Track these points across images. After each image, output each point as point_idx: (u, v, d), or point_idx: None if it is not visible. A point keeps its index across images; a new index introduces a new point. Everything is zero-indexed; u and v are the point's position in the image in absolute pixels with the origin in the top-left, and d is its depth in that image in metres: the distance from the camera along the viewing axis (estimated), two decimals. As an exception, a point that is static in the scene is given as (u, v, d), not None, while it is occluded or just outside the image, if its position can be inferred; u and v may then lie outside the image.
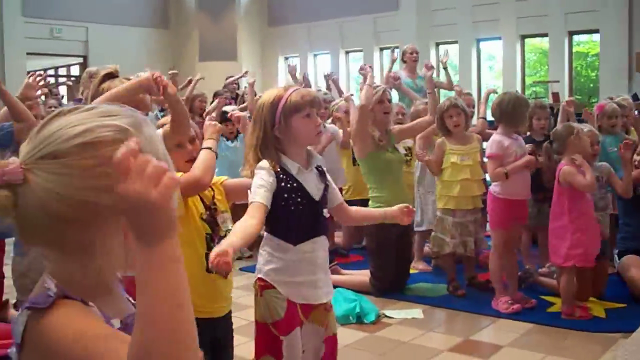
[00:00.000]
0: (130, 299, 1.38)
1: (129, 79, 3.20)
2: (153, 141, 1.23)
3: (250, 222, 2.90)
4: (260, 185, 3.01)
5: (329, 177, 3.30)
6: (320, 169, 3.24)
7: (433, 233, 6.06)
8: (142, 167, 1.01)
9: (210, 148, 3.26)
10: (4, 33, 15.32)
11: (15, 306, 4.90)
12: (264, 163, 3.07)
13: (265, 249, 3.16)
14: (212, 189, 3.31)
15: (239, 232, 2.85)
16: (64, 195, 1.15)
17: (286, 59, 18.19)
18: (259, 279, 3.15)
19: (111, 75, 3.08)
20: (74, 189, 1.15)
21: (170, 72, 8.36)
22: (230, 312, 3.36)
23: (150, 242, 1.03)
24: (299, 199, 3.09)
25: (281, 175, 3.06)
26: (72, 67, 18.53)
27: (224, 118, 7.83)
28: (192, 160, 3.26)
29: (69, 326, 1.13)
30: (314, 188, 3.15)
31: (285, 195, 3.05)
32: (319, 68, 17.35)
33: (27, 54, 15.71)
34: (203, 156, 3.20)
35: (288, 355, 3.09)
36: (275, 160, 3.10)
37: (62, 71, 19.03)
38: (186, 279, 1.08)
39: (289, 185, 3.07)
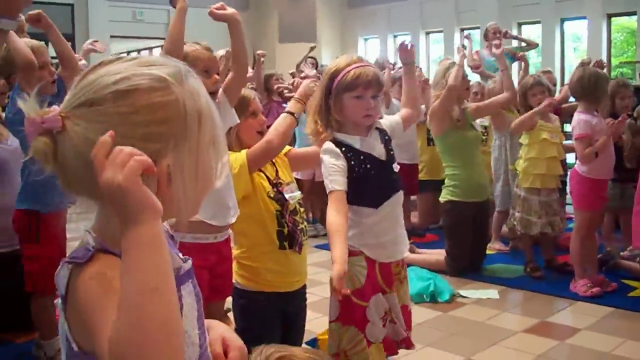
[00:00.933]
0: (180, 254, 1.38)
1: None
2: (195, 94, 1.22)
3: (342, 220, 2.90)
4: (333, 171, 2.99)
5: (387, 122, 3.27)
6: (379, 127, 3.20)
7: (517, 214, 5.90)
8: (114, 155, 1.05)
9: (292, 113, 3.27)
10: (89, 16, 15.69)
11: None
12: (326, 146, 3.05)
13: (349, 217, 3.10)
14: (274, 164, 3.32)
15: (342, 236, 2.85)
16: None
17: (365, 40, 18.12)
18: None
19: None
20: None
21: (257, 52, 8.38)
22: (304, 286, 3.39)
23: (125, 226, 1.06)
24: (369, 166, 3.06)
25: (348, 153, 3.04)
26: (154, 50, 18.83)
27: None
28: (262, 133, 3.28)
29: (95, 280, 1.14)
30: (379, 150, 3.12)
31: (356, 168, 3.03)
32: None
33: (111, 36, 16.02)
34: (280, 120, 3.23)
35: (373, 321, 3.09)
36: (332, 129, 3.10)
37: (145, 54, 19.36)
38: (166, 263, 1.08)
39: (358, 159, 3.05)
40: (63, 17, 15.26)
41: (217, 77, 3.11)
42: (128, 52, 19.22)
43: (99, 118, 1.15)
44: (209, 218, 3.10)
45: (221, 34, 12.42)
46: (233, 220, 3.22)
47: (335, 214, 2.91)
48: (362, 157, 3.05)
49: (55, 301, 1.24)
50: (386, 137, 3.18)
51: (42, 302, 3.84)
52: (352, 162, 3.03)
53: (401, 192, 3.20)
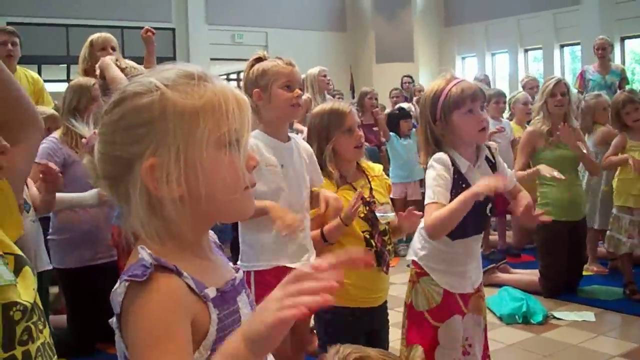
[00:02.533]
0: (231, 264, 1.39)
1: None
2: (198, 96, 1.23)
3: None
4: (443, 182, 2.87)
5: (500, 165, 3.13)
6: (489, 161, 3.08)
7: (608, 232, 5.73)
8: (289, 292, 1.06)
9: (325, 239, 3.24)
10: (189, 40, 16.10)
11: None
12: (442, 156, 2.93)
13: (422, 233, 3.07)
14: (369, 180, 3.31)
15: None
16: (102, 154, 1.23)
17: (463, 59, 17.96)
18: (415, 263, 3.10)
19: (259, 60, 3.12)
20: (105, 146, 1.23)
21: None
22: (385, 301, 3.39)
23: (246, 343, 1.06)
24: None
25: (455, 174, 2.92)
26: (253, 72, 19.14)
27: (402, 115, 7.85)
28: (361, 146, 3.27)
29: (147, 321, 1.15)
30: None
31: (453, 191, 2.89)
32: (497, 68, 17.00)
33: (211, 59, 16.40)
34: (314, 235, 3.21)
35: (444, 344, 3.01)
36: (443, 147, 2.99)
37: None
38: None
39: (459, 184, 2.92)
40: (165, 41, 15.70)
41: (299, 91, 3.11)
42: (227, 75, 19.64)
43: (102, 130, 1.25)
44: (287, 262, 3.06)
45: (316, 54, 12.55)
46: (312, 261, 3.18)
47: (437, 211, 2.81)
48: (463, 186, 2.90)
49: (110, 320, 1.26)
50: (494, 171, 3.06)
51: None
52: (454, 184, 2.91)
53: (482, 234, 3.13)
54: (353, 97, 12.53)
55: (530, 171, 5.50)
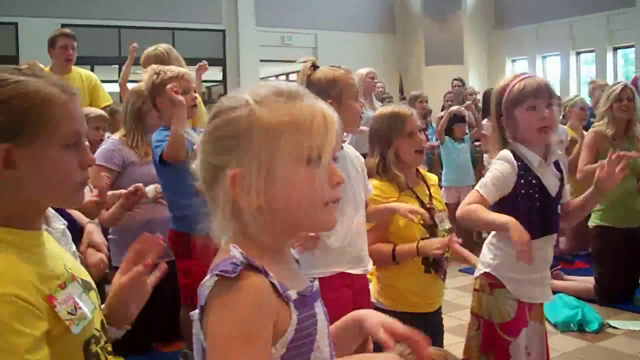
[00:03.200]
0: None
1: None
2: (285, 112, 1.30)
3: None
4: (497, 181, 2.86)
5: (565, 171, 3.11)
6: (557, 163, 3.05)
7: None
8: None
9: None
10: (239, 42, 16.19)
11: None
12: (506, 154, 2.92)
13: (494, 243, 3.04)
14: (428, 187, 3.30)
15: (484, 208, 2.82)
16: (201, 160, 1.35)
17: (513, 61, 17.79)
18: (487, 274, 3.03)
19: (315, 67, 3.12)
20: (202, 155, 1.34)
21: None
22: (440, 307, 3.39)
23: None
24: (537, 195, 2.91)
25: (521, 171, 2.89)
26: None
27: (456, 119, 7.83)
28: (422, 151, 3.26)
29: (235, 315, 1.21)
30: (551, 184, 2.96)
31: (523, 190, 2.88)
32: (547, 71, 16.80)
33: (260, 61, 16.49)
34: None
35: (515, 356, 2.97)
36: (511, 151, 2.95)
37: (293, 77, 19.76)
38: None
39: (528, 180, 2.89)
40: (215, 43, 15.85)
41: (362, 101, 3.11)
42: (276, 76, 19.71)
43: (202, 139, 1.36)
44: (347, 269, 3.05)
45: (364, 56, 12.55)
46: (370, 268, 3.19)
47: (467, 205, 2.84)
48: (533, 182, 2.88)
49: (192, 312, 1.29)
50: (561, 175, 3.04)
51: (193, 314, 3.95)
52: (522, 181, 2.88)
53: (555, 235, 3.06)
54: (402, 100, 12.48)
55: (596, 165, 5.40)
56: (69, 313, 1.41)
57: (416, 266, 3.17)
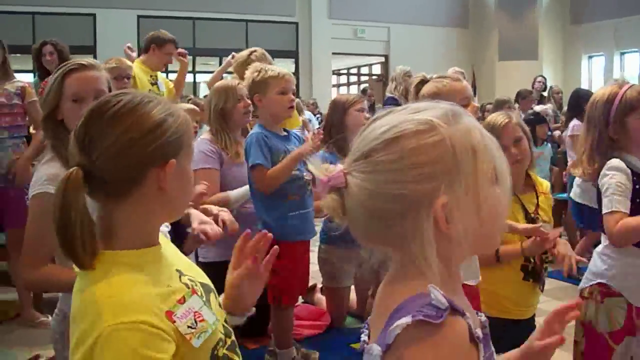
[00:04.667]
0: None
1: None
2: (467, 131, 1.22)
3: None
4: (620, 190, 2.76)
5: None
6: None
7: None
8: None
9: None
10: (312, 34, 16.22)
11: (321, 290, 5.15)
12: (618, 163, 2.82)
13: (608, 254, 2.93)
14: (537, 195, 3.23)
15: None
16: (376, 192, 1.20)
17: (590, 57, 17.43)
18: (601, 284, 2.93)
19: (424, 82, 3.05)
20: (383, 185, 1.19)
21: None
22: (534, 315, 3.34)
23: None
24: None
25: (634, 177, 2.79)
26: (373, 66, 19.15)
27: (538, 119, 7.67)
28: (521, 159, 3.18)
29: None
30: None
31: (638, 200, 2.79)
32: (626, 68, 16.40)
33: (333, 53, 16.49)
34: None
35: None
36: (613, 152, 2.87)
37: (364, 70, 19.73)
38: None
39: (637, 190, 2.80)
40: (288, 35, 15.93)
41: (475, 105, 3.03)
42: (347, 69, 19.71)
43: (371, 167, 1.21)
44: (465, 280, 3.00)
45: (437, 51, 12.44)
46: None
47: (625, 220, 2.71)
48: None
49: (368, 346, 1.24)
50: None
51: (281, 312, 4.01)
52: (637, 186, 2.79)
53: None
54: (475, 95, 12.32)
55: None
56: (189, 327, 1.41)
57: (515, 272, 3.13)
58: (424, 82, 3.00)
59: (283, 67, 4.53)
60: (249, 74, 3.93)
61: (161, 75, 6.14)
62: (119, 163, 1.42)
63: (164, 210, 1.49)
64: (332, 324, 4.80)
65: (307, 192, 3.89)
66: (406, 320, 1.15)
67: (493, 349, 1.31)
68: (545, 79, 11.04)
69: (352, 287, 4.87)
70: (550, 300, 5.23)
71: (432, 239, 1.19)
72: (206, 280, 1.61)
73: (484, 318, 1.34)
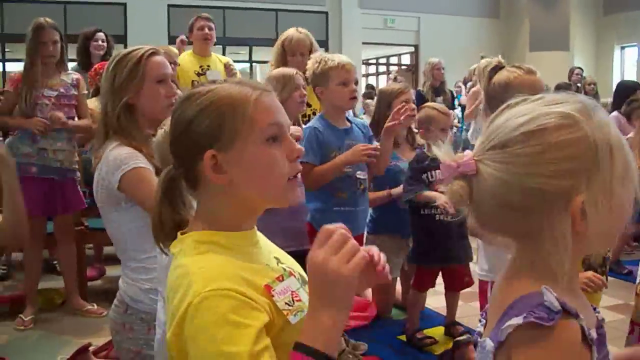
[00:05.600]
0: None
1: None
2: (605, 127, 1.19)
3: None
4: None
5: None
6: None
7: None
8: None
9: None
10: (342, 24, 16.18)
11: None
12: None
13: None
14: None
15: None
16: (511, 183, 1.17)
17: (622, 48, 17.25)
18: None
19: (498, 68, 3.00)
20: (520, 177, 1.17)
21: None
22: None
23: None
24: None
25: None
26: (402, 56, 19.07)
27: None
28: None
29: None
30: None
31: None
32: (660, 58, 16.24)
33: (363, 43, 16.43)
34: None
35: None
36: None
37: (394, 60, 19.65)
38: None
39: None
40: (318, 25, 15.86)
41: None
42: (377, 59, 19.62)
43: (510, 159, 1.18)
44: None
45: (467, 41, 12.31)
46: None
47: None
48: None
49: (482, 339, 1.23)
50: None
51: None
52: None
53: None
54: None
55: None
56: (286, 304, 1.40)
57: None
58: (497, 68, 2.96)
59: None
60: (310, 65, 3.90)
61: (219, 64, 6.08)
62: (174, 153, 1.48)
63: (237, 197, 1.44)
64: (378, 315, 4.78)
65: (357, 191, 3.86)
66: (517, 320, 1.14)
67: (608, 349, 1.27)
68: (582, 70, 10.93)
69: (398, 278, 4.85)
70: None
71: (569, 237, 1.16)
72: (301, 271, 1.59)
73: (601, 316, 1.30)
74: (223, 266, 1.36)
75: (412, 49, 17.80)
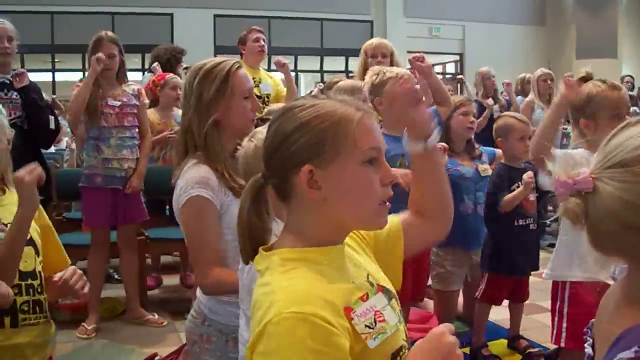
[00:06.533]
0: None
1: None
2: None
3: None
4: None
5: None
6: None
7: None
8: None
9: None
10: (387, 33, 16.13)
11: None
12: None
13: None
14: None
15: None
16: (632, 202, 1.14)
17: (671, 56, 17.01)
18: None
19: (587, 79, 2.98)
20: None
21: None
22: None
23: None
24: None
25: None
26: (447, 65, 18.97)
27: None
28: None
29: None
30: None
31: None
32: None
33: (407, 52, 16.35)
34: None
35: None
36: None
37: (438, 69, 19.54)
38: None
39: None
40: (363, 33, 15.84)
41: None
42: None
43: (631, 178, 1.15)
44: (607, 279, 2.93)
45: (513, 49, 12.16)
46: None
47: None
48: None
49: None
50: None
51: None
52: None
53: None
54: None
55: None
56: (366, 326, 1.37)
57: None
58: (586, 79, 2.93)
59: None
60: (367, 77, 3.89)
61: (270, 78, 6.11)
62: (268, 164, 1.46)
63: (329, 215, 1.43)
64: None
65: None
66: (628, 354, 1.11)
67: None
68: (633, 78, 10.79)
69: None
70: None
71: None
72: (390, 286, 1.57)
73: None
74: (307, 287, 1.34)
75: (457, 57, 17.71)
